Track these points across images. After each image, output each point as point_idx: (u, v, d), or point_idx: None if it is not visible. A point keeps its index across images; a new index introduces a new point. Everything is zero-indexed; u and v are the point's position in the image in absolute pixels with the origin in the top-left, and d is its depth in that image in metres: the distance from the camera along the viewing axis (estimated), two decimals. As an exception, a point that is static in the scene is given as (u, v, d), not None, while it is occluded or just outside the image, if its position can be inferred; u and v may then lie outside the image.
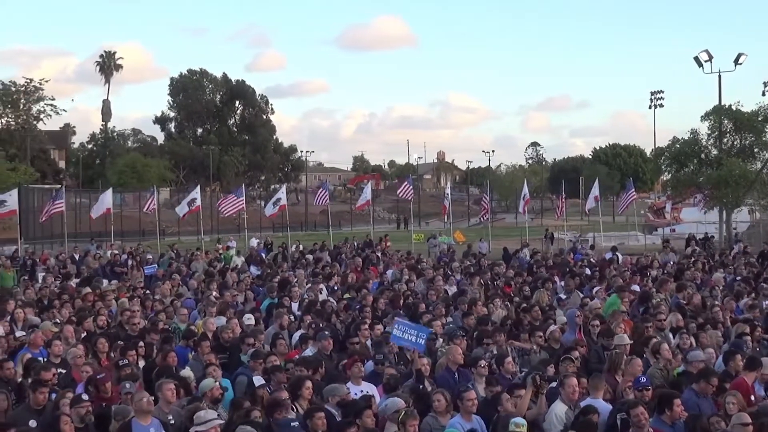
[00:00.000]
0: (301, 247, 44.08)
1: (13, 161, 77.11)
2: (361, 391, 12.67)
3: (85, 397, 11.39)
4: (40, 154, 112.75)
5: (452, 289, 24.53)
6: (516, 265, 33.70)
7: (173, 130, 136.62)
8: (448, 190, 56.63)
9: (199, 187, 47.73)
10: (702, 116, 56.18)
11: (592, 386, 12.01)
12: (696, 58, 60.51)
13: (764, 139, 55.12)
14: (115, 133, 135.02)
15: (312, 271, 30.20)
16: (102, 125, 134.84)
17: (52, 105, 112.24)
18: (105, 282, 27.54)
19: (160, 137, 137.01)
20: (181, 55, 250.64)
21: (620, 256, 35.26)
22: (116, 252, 39.23)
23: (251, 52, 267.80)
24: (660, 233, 64.06)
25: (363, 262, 33.21)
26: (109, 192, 45.55)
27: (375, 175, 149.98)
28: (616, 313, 18.04)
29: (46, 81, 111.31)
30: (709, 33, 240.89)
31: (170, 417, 11.52)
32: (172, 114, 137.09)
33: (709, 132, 56.12)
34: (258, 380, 12.55)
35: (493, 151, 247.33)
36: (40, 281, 29.07)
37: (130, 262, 35.54)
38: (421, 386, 12.91)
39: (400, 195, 52.95)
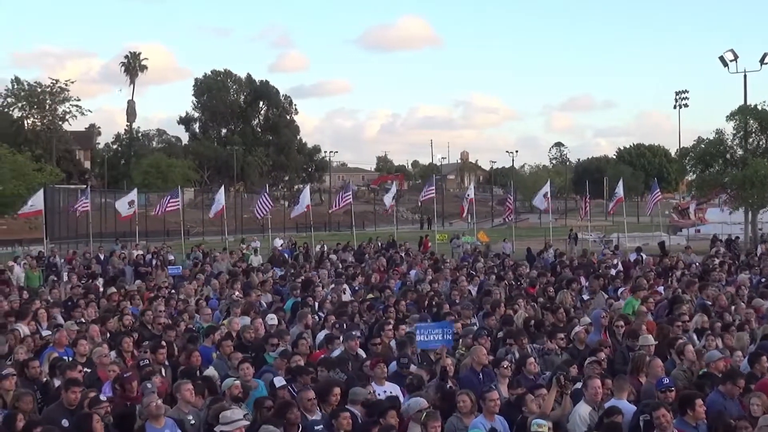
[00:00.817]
0: (324, 248, 44.13)
1: (39, 161, 77.54)
2: (385, 391, 12.68)
3: (102, 398, 11.43)
4: (65, 154, 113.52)
5: (476, 290, 24.51)
6: (540, 265, 33.62)
7: (197, 130, 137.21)
8: (470, 191, 56.46)
9: (223, 188, 47.88)
10: (727, 116, 55.84)
11: (617, 387, 11.96)
12: (721, 58, 60.19)
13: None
14: (139, 134, 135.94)
15: (335, 272, 30.23)
16: (127, 126, 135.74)
17: (77, 105, 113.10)
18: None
19: (185, 138, 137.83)
20: (205, 55, 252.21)
21: (645, 257, 35.10)
22: (140, 252, 39.40)
23: (274, 53, 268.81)
24: (685, 234, 63.77)
25: (387, 263, 33.21)
26: (134, 193, 45.72)
27: (398, 175, 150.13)
28: (641, 314, 17.99)
29: (72, 82, 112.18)
30: (734, 32, 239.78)
31: (190, 417, 11.56)
32: (196, 114, 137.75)
33: (735, 132, 55.75)
34: (279, 381, 12.58)
35: (516, 152, 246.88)
36: (64, 281, 29.24)
37: (154, 262, 35.67)
38: (448, 385, 12.91)
39: (423, 198, 52.92)
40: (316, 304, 21.27)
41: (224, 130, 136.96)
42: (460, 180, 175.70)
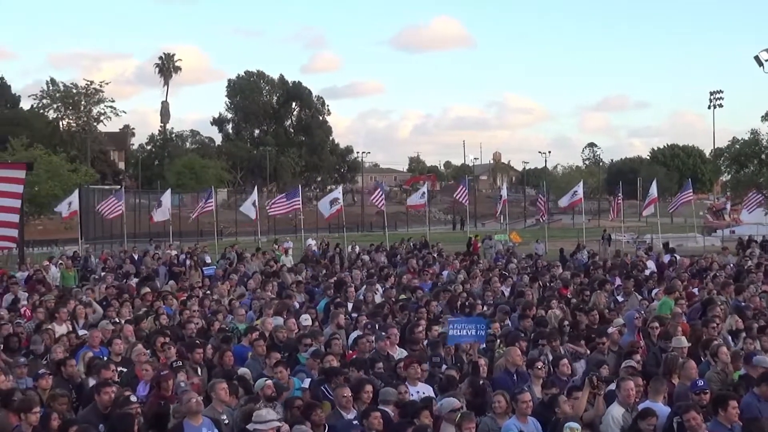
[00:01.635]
0: (357, 248, 44.16)
1: (74, 162, 78.01)
2: (417, 392, 12.69)
3: (133, 398, 11.50)
4: (100, 155, 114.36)
5: (509, 291, 24.47)
6: (572, 266, 33.49)
7: (231, 131, 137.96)
8: (503, 191, 56.44)
9: (256, 188, 48.09)
10: (762, 116, 55.59)
11: (652, 389, 11.91)
12: (756, 58, 59.85)
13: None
14: (173, 135, 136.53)
15: (367, 272, 30.24)
16: (161, 127, 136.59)
17: (112, 107, 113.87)
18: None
19: (218, 138, 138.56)
20: (238, 56, 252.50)
21: (679, 258, 34.87)
22: (175, 252, 39.62)
23: (307, 54, 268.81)
24: (719, 235, 63.31)
25: (420, 263, 33.17)
26: (168, 193, 45.99)
27: (431, 176, 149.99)
28: (675, 315, 17.90)
29: (107, 83, 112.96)
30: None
31: (224, 416, 11.61)
32: (229, 115, 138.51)
33: (770, 132, 55.35)
34: (304, 381, 12.62)
35: (549, 152, 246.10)
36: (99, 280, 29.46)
37: (188, 262, 35.86)
38: (481, 382, 12.92)
39: (457, 197, 52.83)
40: (349, 304, 21.32)
41: (257, 131, 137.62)
42: (492, 181, 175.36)
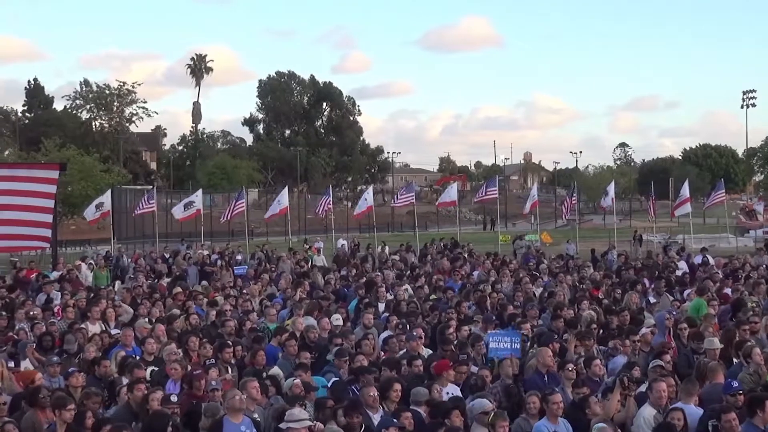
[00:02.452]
0: (387, 249, 44.14)
1: (107, 163, 78.68)
2: (447, 393, 12.69)
3: (174, 398, 11.58)
4: (132, 155, 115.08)
5: (539, 291, 24.41)
6: (603, 267, 33.36)
7: (261, 131, 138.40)
8: (534, 191, 56.13)
9: (286, 189, 48.17)
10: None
11: (684, 391, 11.84)
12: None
13: None
14: (204, 135, 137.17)
15: (398, 273, 30.23)
16: (192, 127, 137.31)
17: (144, 107, 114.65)
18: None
19: (249, 139, 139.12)
20: (269, 57, 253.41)
21: (711, 259, 34.62)
22: (206, 252, 39.78)
23: (337, 54, 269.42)
24: (752, 235, 62.77)
25: (451, 263, 33.10)
26: (200, 193, 46.15)
27: (461, 176, 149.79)
28: (707, 317, 17.79)
29: (139, 84, 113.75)
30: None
31: (256, 415, 11.68)
32: (260, 116, 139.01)
33: (804, 132, 54.73)
34: (328, 381, 12.64)
35: (580, 152, 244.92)
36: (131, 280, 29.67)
37: (219, 262, 35.98)
38: (511, 385, 12.92)
39: (480, 197, 52.61)
40: (379, 304, 21.34)
41: (288, 132, 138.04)
42: (523, 181, 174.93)
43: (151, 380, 13.40)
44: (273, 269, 31.80)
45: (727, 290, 23.42)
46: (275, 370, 14.08)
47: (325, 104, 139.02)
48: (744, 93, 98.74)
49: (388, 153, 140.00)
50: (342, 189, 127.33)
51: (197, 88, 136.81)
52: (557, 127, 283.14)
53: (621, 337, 15.96)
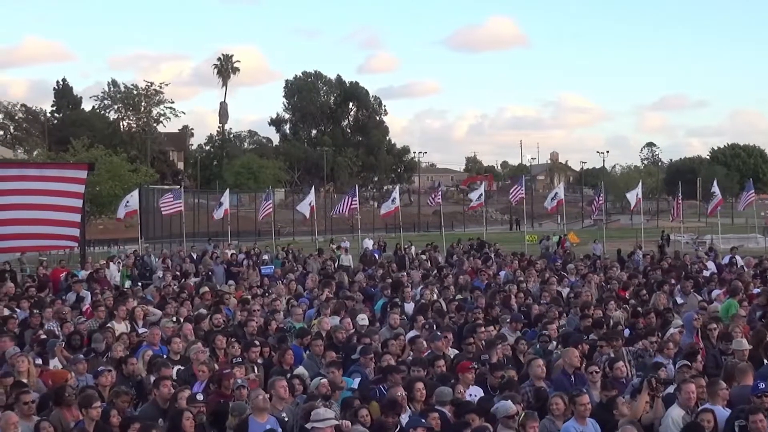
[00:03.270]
0: (413, 249, 44.14)
1: (134, 163, 79.11)
2: (470, 394, 12.66)
3: (200, 397, 11.62)
4: (159, 155, 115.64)
5: (566, 291, 24.35)
6: (631, 267, 33.21)
7: (288, 131, 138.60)
8: (558, 191, 55.95)
9: (313, 188, 48.32)
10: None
11: (711, 392, 11.76)
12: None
13: None
14: (231, 135, 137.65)
15: (424, 273, 30.21)
16: (219, 127, 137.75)
17: (171, 107, 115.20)
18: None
19: (276, 139, 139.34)
20: (295, 57, 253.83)
21: (740, 259, 34.38)
22: (233, 252, 39.90)
23: (363, 54, 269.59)
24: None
25: (481, 262, 33.04)
26: (227, 193, 46.39)
27: (487, 176, 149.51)
28: (736, 317, 17.66)
29: (166, 84, 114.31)
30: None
31: (284, 414, 11.70)
32: (287, 116, 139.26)
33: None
34: (354, 381, 12.64)
35: (607, 152, 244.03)
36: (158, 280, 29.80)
37: (246, 261, 36.08)
38: (542, 388, 12.88)
39: (511, 198, 52.53)
40: (406, 304, 21.34)
41: (314, 131, 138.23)
42: (549, 181, 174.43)
43: (178, 379, 13.47)
44: (298, 269, 31.86)
45: (756, 290, 23.25)
46: (300, 369, 14.10)
47: (351, 104, 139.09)
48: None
49: (415, 153, 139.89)
50: (368, 189, 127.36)
51: (224, 88, 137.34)
52: (584, 126, 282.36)
53: (648, 337, 15.90)
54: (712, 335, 16.16)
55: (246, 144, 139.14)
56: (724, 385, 11.98)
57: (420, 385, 12.16)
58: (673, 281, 25.15)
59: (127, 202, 42.44)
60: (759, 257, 35.26)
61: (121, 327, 18.08)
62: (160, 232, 58.31)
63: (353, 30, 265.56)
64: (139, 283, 30.28)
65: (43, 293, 24.25)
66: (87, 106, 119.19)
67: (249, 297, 22.65)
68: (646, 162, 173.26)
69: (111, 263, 33.49)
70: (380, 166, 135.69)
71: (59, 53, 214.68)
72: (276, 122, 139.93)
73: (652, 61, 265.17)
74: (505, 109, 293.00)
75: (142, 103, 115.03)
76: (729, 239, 57.24)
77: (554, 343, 16.03)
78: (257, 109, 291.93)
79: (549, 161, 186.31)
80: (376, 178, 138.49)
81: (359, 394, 12.32)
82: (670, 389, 12.16)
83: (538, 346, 15.90)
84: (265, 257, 38.13)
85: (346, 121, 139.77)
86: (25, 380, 12.97)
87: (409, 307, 21.28)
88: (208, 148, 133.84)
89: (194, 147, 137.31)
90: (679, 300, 22.55)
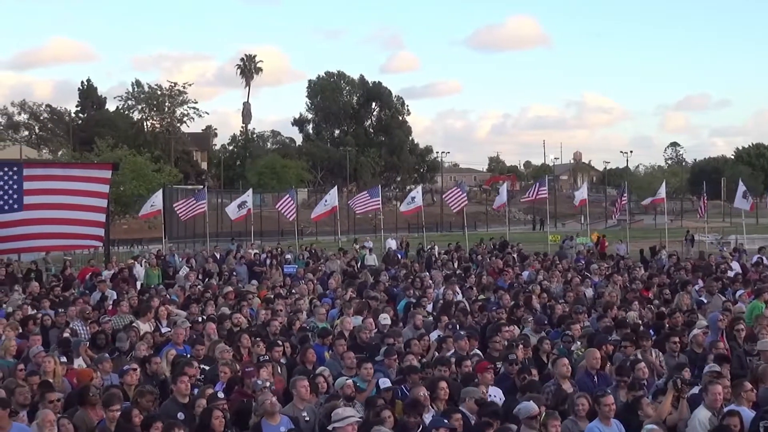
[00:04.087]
0: (436, 249, 44.09)
1: (158, 162, 79.39)
2: (490, 395, 12.63)
3: (221, 395, 11.66)
4: (183, 155, 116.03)
5: (589, 291, 24.27)
6: (655, 267, 33.06)
7: (311, 131, 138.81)
8: (581, 190, 55.68)
9: (336, 188, 48.33)
10: None
11: (737, 394, 11.69)
12: None
13: None
14: (254, 135, 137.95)
15: (446, 273, 30.17)
16: (242, 127, 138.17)
17: (194, 108, 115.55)
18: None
19: (299, 139, 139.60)
20: (318, 57, 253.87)
21: (765, 259, 34.14)
22: (256, 251, 39.96)
23: (385, 54, 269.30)
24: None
25: (503, 263, 32.98)
26: (250, 193, 46.45)
27: (510, 175, 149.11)
28: (760, 318, 17.54)
29: (189, 84, 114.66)
30: None
31: (305, 413, 11.72)
32: (309, 116, 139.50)
33: None
34: (384, 382, 12.66)
35: (630, 152, 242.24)
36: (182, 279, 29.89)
37: (269, 261, 36.13)
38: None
39: (531, 196, 52.30)
40: (428, 304, 21.32)
41: (337, 131, 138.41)
42: (572, 181, 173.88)
43: (204, 378, 13.51)
44: (320, 268, 31.90)
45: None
46: (322, 369, 14.12)
47: (374, 104, 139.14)
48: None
49: (437, 153, 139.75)
50: (391, 189, 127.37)
51: (247, 88, 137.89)
52: (607, 126, 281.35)
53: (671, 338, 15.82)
54: (739, 336, 16.06)
55: (269, 144, 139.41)
56: (750, 387, 11.92)
57: (443, 384, 12.15)
58: (700, 282, 25.05)
59: (153, 203, 42.66)
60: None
61: (145, 326, 18.16)
62: (184, 232, 58.49)
63: (375, 30, 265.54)
64: (166, 283, 30.38)
65: (67, 293, 24.38)
66: (111, 106, 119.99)
67: (272, 296, 22.72)
68: (670, 162, 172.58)
69: (137, 263, 33.64)
70: (403, 166, 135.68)
71: (84, 54, 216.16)
72: (299, 122, 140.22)
73: (674, 60, 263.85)
74: (527, 109, 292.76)
75: (166, 104, 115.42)
76: (754, 239, 56.89)
77: (578, 343, 15.97)
78: (280, 109, 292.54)
79: (572, 161, 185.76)
80: (399, 178, 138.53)
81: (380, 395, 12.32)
82: (695, 390, 12.11)
83: (561, 346, 15.85)
84: (288, 257, 38.17)
85: (369, 121, 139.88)
86: (51, 380, 13.06)
87: (432, 307, 21.28)
88: (231, 148, 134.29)
89: (217, 147, 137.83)
90: (704, 300, 22.43)
